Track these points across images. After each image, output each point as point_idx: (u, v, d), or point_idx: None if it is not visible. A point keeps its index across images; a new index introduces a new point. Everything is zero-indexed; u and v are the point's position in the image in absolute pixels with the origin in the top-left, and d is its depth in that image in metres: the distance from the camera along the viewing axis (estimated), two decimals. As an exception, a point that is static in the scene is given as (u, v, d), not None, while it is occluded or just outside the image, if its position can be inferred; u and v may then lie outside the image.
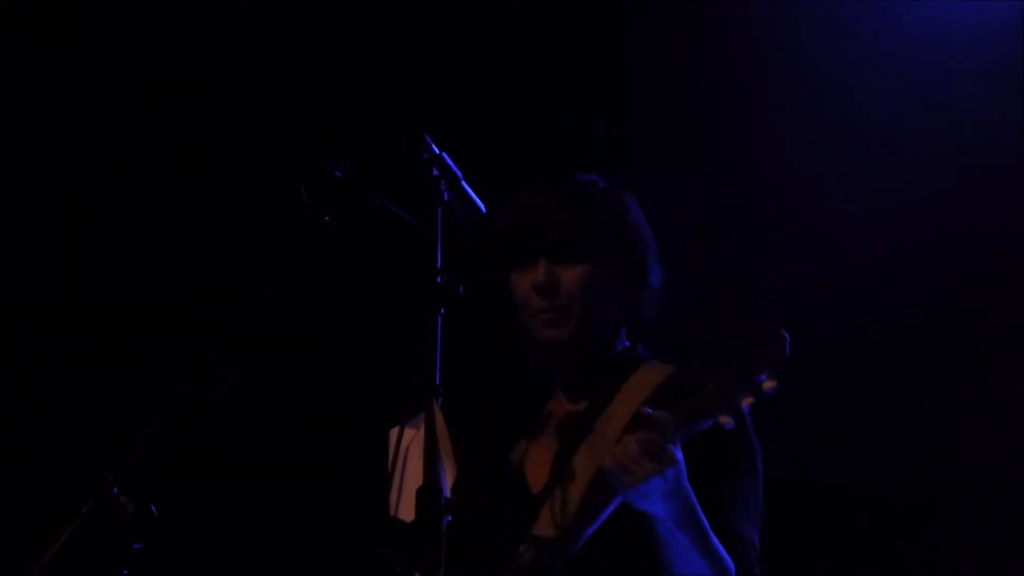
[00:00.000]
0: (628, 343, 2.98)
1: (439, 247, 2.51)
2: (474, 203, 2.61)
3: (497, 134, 4.50)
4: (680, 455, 2.58)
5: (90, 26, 4.64)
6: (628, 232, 2.95)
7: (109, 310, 4.64)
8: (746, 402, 2.54)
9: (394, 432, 2.63)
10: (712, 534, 2.69)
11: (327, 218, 2.62)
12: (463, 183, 2.59)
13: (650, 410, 2.59)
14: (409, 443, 2.62)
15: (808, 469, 4.33)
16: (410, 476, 2.62)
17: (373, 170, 2.63)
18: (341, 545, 4.33)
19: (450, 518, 2.41)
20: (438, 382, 2.46)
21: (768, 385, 2.54)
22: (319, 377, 4.58)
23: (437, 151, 2.57)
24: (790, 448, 4.31)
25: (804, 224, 4.45)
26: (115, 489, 2.55)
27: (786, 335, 2.55)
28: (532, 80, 4.57)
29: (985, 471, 4.31)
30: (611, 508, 2.68)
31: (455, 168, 2.58)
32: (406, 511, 2.56)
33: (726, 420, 2.55)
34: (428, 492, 2.40)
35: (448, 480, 2.68)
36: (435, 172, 2.55)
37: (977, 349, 4.36)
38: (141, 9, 4.65)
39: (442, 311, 2.47)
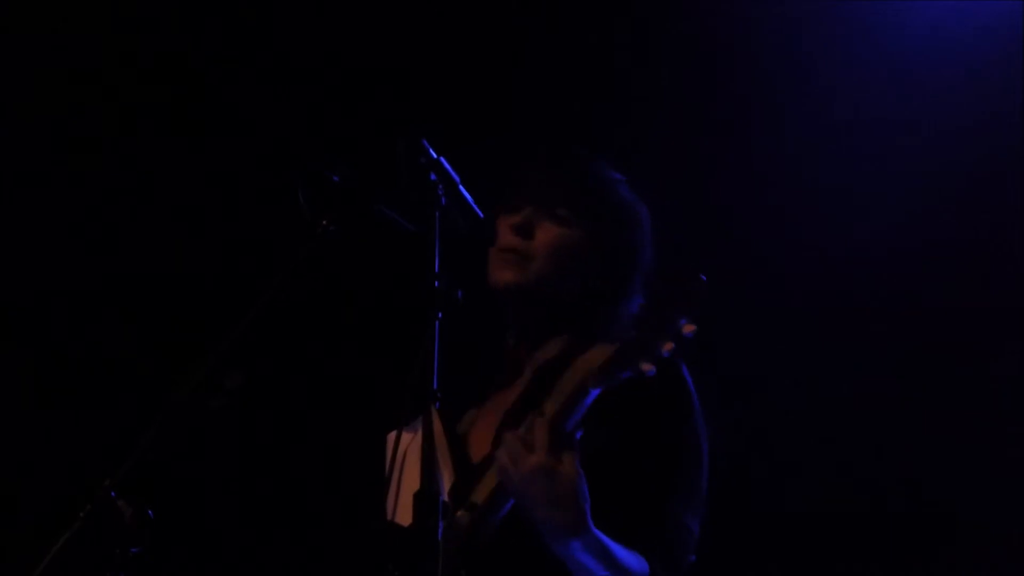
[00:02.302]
0: None
1: (437, 252, 2.50)
2: (472, 208, 2.60)
3: (497, 133, 4.50)
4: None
5: (90, 28, 4.64)
6: (622, 215, 2.90)
7: (109, 311, 4.64)
8: (667, 347, 2.46)
9: (392, 436, 2.62)
10: (617, 548, 2.58)
11: (324, 223, 2.63)
12: (461, 187, 2.58)
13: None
14: (407, 447, 2.62)
15: (809, 469, 4.34)
16: (408, 480, 2.62)
17: (371, 175, 2.63)
18: (340, 549, 4.33)
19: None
20: (436, 386, 2.44)
21: (688, 329, 2.45)
22: (317, 382, 4.57)
23: (435, 155, 2.56)
24: (790, 447, 4.32)
25: (803, 224, 4.45)
26: (113, 493, 2.55)
27: (704, 278, 2.47)
28: (531, 79, 4.57)
29: (985, 471, 4.31)
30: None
31: (453, 172, 2.57)
32: (403, 515, 2.56)
33: (648, 367, 2.47)
34: (425, 496, 2.39)
35: (446, 484, 2.68)
36: (433, 177, 2.54)
37: (977, 349, 4.36)
38: (141, 9, 4.65)
39: (440, 316, 2.46)
